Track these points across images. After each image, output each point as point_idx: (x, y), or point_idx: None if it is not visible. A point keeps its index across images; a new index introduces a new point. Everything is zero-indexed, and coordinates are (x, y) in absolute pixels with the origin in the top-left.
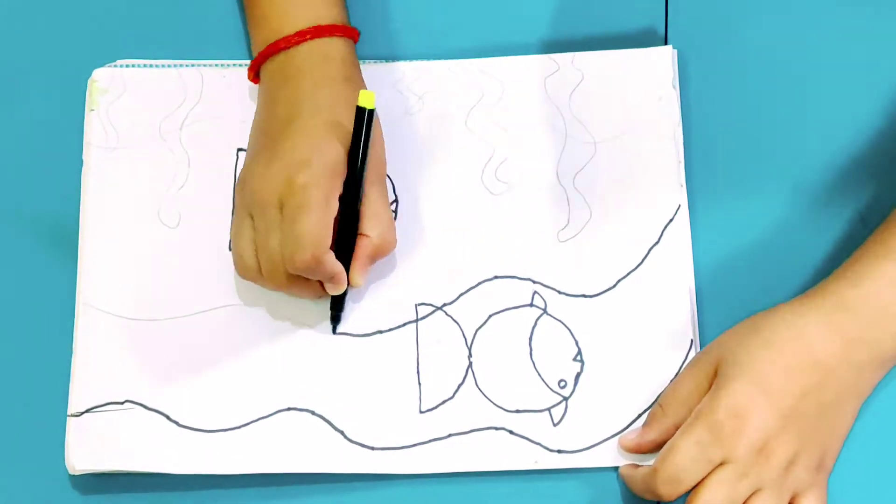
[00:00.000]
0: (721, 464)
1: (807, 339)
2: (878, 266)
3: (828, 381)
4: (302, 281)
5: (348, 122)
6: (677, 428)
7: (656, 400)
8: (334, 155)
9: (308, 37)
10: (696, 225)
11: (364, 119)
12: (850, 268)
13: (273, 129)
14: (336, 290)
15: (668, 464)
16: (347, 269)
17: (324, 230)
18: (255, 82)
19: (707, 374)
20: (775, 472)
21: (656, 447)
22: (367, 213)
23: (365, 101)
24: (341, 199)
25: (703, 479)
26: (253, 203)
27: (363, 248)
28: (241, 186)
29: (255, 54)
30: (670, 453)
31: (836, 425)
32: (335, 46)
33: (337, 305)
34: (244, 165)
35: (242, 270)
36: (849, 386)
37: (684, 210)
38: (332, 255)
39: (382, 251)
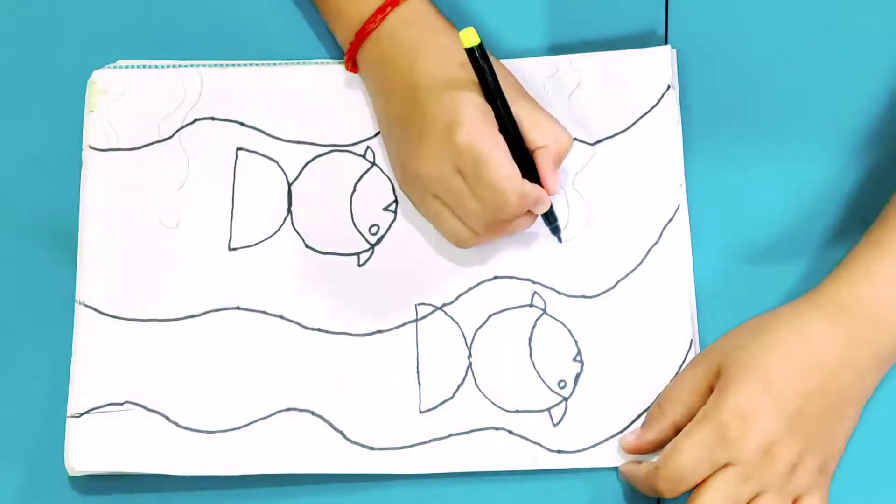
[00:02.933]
0: (725, 465)
1: (809, 341)
2: (872, 266)
3: (831, 383)
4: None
5: (464, 67)
6: (676, 428)
7: (656, 400)
8: (471, 101)
9: (389, 9)
10: (695, 225)
11: (476, 56)
12: (845, 268)
13: (402, 111)
14: (543, 209)
15: (671, 462)
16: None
17: (510, 169)
18: (354, 72)
19: (707, 376)
20: (779, 474)
21: (655, 447)
22: (529, 128)
23: (467, 41)
24: (502, 132)
25: (705, 479)
26: (432, 185)
27: (544, 157)
28: (407, 177)
29: (344, 47)
30: (674, 452)
31: (839, 428)
32: (413, 6)
33: (551, 218)
34: (395, 158)
35: (463, 243)
36: (851, 388)
37: (684, 210)
38: (527, 182)
39: (562, 150)
